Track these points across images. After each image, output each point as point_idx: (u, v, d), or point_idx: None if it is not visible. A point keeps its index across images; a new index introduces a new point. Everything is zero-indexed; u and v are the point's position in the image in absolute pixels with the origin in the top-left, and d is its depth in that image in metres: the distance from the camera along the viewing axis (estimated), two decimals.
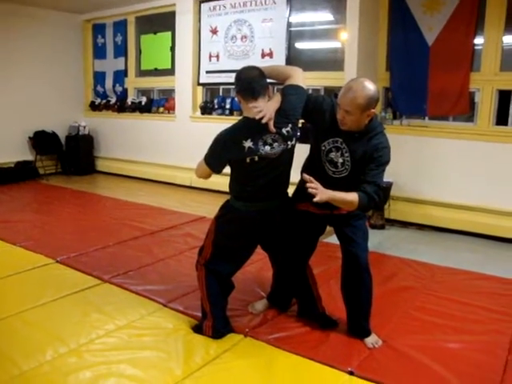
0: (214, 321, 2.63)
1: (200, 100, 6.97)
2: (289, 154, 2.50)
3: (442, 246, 4.52)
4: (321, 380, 2.31)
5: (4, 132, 7.35)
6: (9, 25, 7.25)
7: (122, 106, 7.89)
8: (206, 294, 2.64)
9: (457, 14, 4.77)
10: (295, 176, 2.61)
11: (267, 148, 2.38)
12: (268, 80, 2.48)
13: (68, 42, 8.12)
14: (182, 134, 7.01)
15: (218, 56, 6.62)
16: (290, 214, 2.63)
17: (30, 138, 7.72)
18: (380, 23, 5.30)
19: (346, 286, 2.64)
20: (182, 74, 6.98)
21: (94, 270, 3.58)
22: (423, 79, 5.01)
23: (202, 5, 6.68)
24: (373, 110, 2.31)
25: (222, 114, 6.58)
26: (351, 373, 2.33)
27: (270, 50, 6.06)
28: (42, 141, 7.79)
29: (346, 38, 5.23)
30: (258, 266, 3.58)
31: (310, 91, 5.31)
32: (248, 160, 2.38)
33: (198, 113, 6.91)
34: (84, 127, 8.15)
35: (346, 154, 2.40)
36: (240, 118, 2.50)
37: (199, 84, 6.92)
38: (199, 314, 2.76)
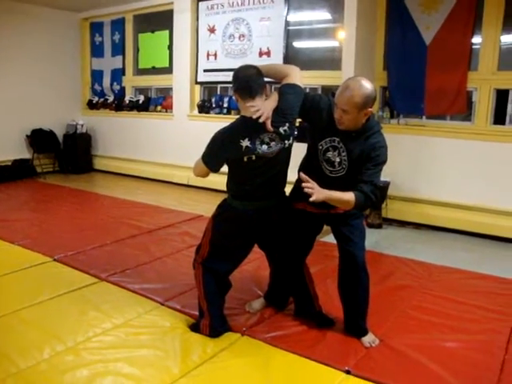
0: (211, 319, 2.63)
1: (198, 99, 6.97)
2: (286, 153, 2.51)
3: (439, 245, 4.53)
4: (317, 379, 2.32)
5: (1, 130, 7.34)
6: (5, 22, 7.24)
7: (119, 104, 7.88)
8: (203, 293, 2.65)
9: (454, 13, 4.77)
10: (292, 175, 2.61)
11: (264, 147, 2.38)
12: (265, 79, 2.48)
13: (66, 40, 8.11)
14: (179, 132, 7.01)
15: (215, 55, 6.61)
16: (287, 212, 2.63)
17: (27, 136, 7.71)
18: (378, 22, 5.30)
19: (342, 285, 2.65)
20: (179, 72, 6.97)
21: (92, 269, 3.58)
22: (421, 78, 5.01)
23: (200, 3, 6.68)
24: (370, 109, 2.31)
25: (220, 112, 6.58)
26: (348, 372, 2.34)
27: (268, 48, 6.06)
28: (39, 139, 7.78)
29: (343, 37, 5.24)
30: (255, 265, 3.58)
31: (308, 90, 5.31)
32: (245, 159, 2.38)
33: (196, 111, 6.90)
34: (82, 125, 8.13)
35: (343, 154, 2.40)
36: (238, 116, 2.51)
37: (197, 83, 6.92)
38: (196, 313, 2.77)
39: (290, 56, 5.94)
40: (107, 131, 8.16)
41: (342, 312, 2.71)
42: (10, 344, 2.52)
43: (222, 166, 2.50)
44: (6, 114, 7.40)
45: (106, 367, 2.33)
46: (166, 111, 7.33)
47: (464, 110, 4.91)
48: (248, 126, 2.37)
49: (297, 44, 6.04)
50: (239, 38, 6.33)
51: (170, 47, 7.16)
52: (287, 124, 2.42)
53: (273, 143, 2.40)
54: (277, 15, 5.93)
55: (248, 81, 2.39)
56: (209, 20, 6.62)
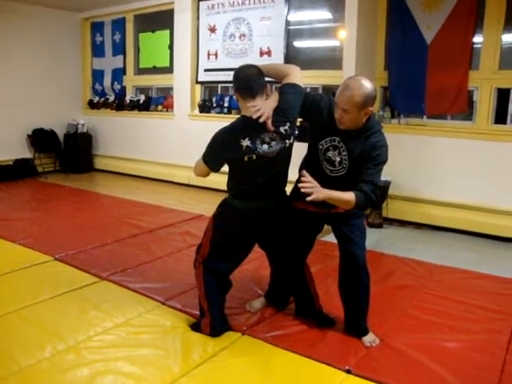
0: (212, 319, 2.63)
1: (198, 98, 6.97)
2: (286, 153, 2.51)
3: (440, 244, 4.52)
4: (318, 378, 2.32)
5: (3, 130, 7.35)
6: (6, 22, 7.24)
7: (120, 104, 7.89)
8: (203, 292, 2.65)
9: (456, 12, 4.77)
10: (293, 175, 2.61)
11: (265, 147, 2.38)
12: (266, 78, 2.48)
13: (66, 40, 8.12)
14: (180, 132, 7.01)
15: (216, 54, 6.61)
16: (288, 212, 2.63)
17: (28, 135, 7.71)
18: (378, 21, 5.30)
19: (343, 285, 2.65)
20: (180, 72, 6.97)
21: (92, 268, 3.58)
22: (421, 78, 5.01)
23: (201, 3, 6.68)
24: (370, 109, 2.31)
25: (221, 112, 6.58)
26: (348, 371, 2.34)
27: (269, 48, 6.06)
28: (40, 139, 7.79)
29: (344, 37, 5.23)
30: (256, 265, 3.58)
31: (309, 90, 5.31)
32: (246, 159, 2.38)
33: (197, 111, 6.91)
34: (82, 125, 8.14)
35: (344, 153, 2.40)
36: (238, 116, 2.51)
37: (197, 82, 6.92)
38: (197, 312, 2.77)
39: (291, 55, 5.94)
40: (108, 131, 8.17)
41: (342, 311, 2.71)
42: (12, 342, 2.52)
43: (222, 165, 2.50)
44: (8, 114, 7.41)
45: (106, 366, 2.33)
46: (167, 111, 7.33)
47: (465, 109, 4.91)
48: (248, 126, 2.37)
49: (297, 43, 6.03)
50: (240, 37, 6.33)
51: (171, 47, 7.16)
52: (288, 124, 2.42)
53: (273, 143, 2.40)
54: (277, 15, 5.93)
55: (249, 80, 2.39)
56: (209, 19, 6.62)
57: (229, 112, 6.48)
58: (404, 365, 2.42)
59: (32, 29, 7.56)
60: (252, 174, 2.45)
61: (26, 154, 7.71)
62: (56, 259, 3.78)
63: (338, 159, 2.43)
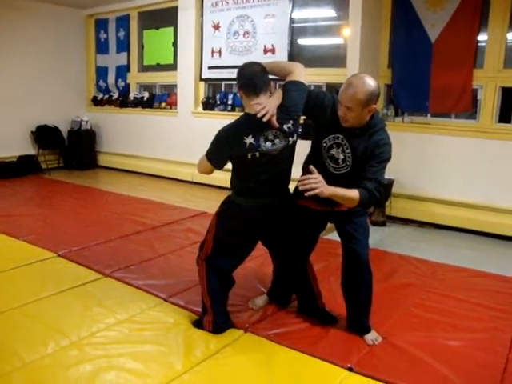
0: (215, 316, 2.64)
1: (202, 95, 6.97)
2: (290, 151, 2.51)
3: (443, 243, 4.52)
4: (320, 376, 2.32)
5: (7, 126, 7.37)
6: (11, 19, 7.26)
7: (124, 101, 7.90)
8: (206, 289, 2.65)
9: (460, 10, 4.75)
10: (296, 172, 2.61)
11: (268, 144, 2.38)
12: (270, 76, 2.47)
13: (71, 36, 8.13)
14: (183, 129, 7.02)
15: (220, 52, 6.61)
16: (291, 209, 2.63)
17: (32, 132, 7.73)
18: (383, 20, 5.29)
19: (346, 283, 2.65)
20: (184, 69, 6.97)
21: (96, 264, 3.59)
22: (426, 76, 5.00)
23: (205, 0, 6.67)
24: (374, 106, 2.30)
25: (224, 109, 6.58)
26: (350, 369, 2.34)
27: (273, 46, 6.05)
28: (44, 135, 7.81)
29: (348, 35, 5.23)
30: (259, 262, 3.59)
31: (312, 87, 5.30)
32: (249, 156, 2.38)
33: (200, 108, 6.91)
34: (86, 122, 8.16)
35: (347, 151, 2.40)
36: (242, 113, 2.51)
37: (201, 79, 6.92)
38: (200, 309, 2.77)
39: (295, 53, 5.93)
40: (112, 128, 8.18)
41: (345, 309, 2.71)
42: (16, 338, 2.53)
43: (225, 162, 2.50)
44: (12, 111, 7.43)
45: (109, 362, 2.34)
46: (171, 108, 7.34)
47: (469, 107, 4.90)
48: (252, 123, 2.37)
49: (301, 41, 6.03)
50: (244, 35, 6.32)
51: (175, 44, 7.17)
52: (291, 121, 2.42)
53: (277, 140, 2.40)
54: (281, 12, 5.93)
55: (252, 78, 2.39)
56: (213, 17, 6.62)
57: (232, 109, 6.48)
58: (406, 363, 2.41)
59: (36, 26, 7.58)
60: (255, 171, 2.45)
61: (30, 150, 7.73)
62: (59, 255, 3.79)
63: (341, 157, 2.43)
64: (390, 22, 5.25)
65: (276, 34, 6.00)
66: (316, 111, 2.49)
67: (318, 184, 2.21)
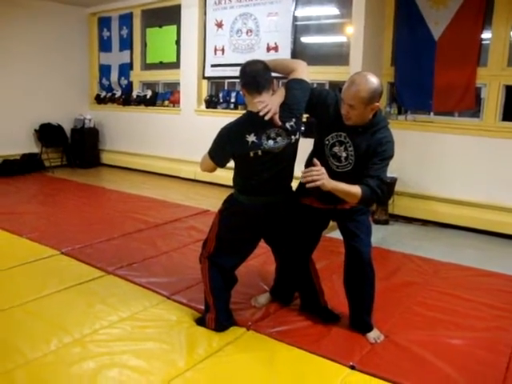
0: (217, 314, 2.64)
1: (205, 93, 6.97)
2: (292, 149, 2.50)
3: (446, 242, 4.51)
4: (322, 374, 2.32)
5: (10, 124, 7.39)
6: (14, 16, 7.27)
7: (127, 99, 7.90)
8: (209, 287, 2.65)
9: (464, 8, 4.74)
10: (299, 170, 2.61)
11: (271, 142, 2.38)
12: (273, 74, 2.47)
13: (74, 34, 8.14)
14: (186, 127, 7.02)
15: (223, 50, 6.61)
16: (294, 207, 2.63)
17: (35, 130, 7.75)
18: (386, 18, 5.27)
19: (348, 281, 2.65)
20: (187, 67, 6.97)
21: (99, 262, 3.60)
22: (429, 74, 4.98)
23: None
24: (377, 104, 2.30)
25: (227, 107, 6.58)
26: (353, 367, 2.34)
27: (276, 44, 6.04)
28: (47, 133, 7.83)
29: (351, 33, 5.21)
30: (262, 260, 3.59)
31: (315, 85, 5.29)
32: (251, 154, 2.38)
33: (203, 106, 6.91)
34: (89, 120, 8.17)
35: (350, 149, 2.39)
36: (245, 111, 2.51)
37: (204, 77, 6.92)
38: (202, 307, 2.78)
39: (298, 51, 5.92)
40: (115, 126, 8.19)
41: (347, 307, 2.71)
42: (18, 335, 2.54)
43: (228, 160, 2.51)
44: (15, 109, 7.45)
45: (112, 359, 2.35)
46: (174, 106, 7.34)
47: (472, 106, 4.88)
48: (254, 121, 2.37)
49: (304, 39, 6.02)
50: (247, 33, 6.32)
51: (178, 42, 7.16)
52: (294, 119, 2.42)
53: (279, 138, 2.40)
54: (285, 10, 5.91)
55: (255, 76, 2.39)
56: (216, 15, 6.61)
57: (235, 107, 6.47)
58: (409, 361, 2.41)
59: (39, 23, 7.59)
60: (258, 169, 2.45)
61: (34, 148, 7.75)
62: (62, 253, 3.81)
63: (344, 155, 2.42)
64: (394, 20, 5.23)
65: (279, 32, 6.00)
66: (319, 109, 2.49)
67: (321, 176, 2.20)
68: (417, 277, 3.56)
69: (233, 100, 6.54)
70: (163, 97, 7.55)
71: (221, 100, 6.69)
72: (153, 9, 7.52)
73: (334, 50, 5.86)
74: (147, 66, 7.83)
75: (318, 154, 2.54)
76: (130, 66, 7.93)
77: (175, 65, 7.26)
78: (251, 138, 2.35)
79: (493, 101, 4.75)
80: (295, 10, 5.88)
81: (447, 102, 4.97)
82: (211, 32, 6.70)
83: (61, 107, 8.03)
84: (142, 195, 6.03)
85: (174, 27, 7.22)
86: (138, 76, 7.92)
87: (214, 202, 4.77)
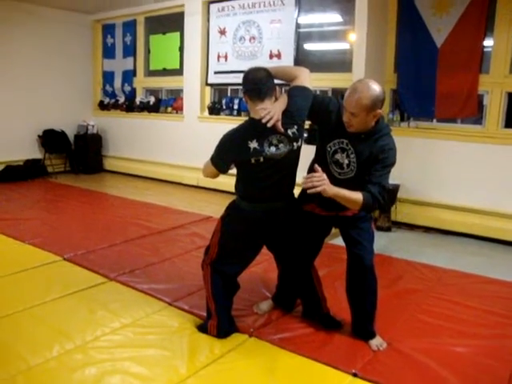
0: (219, 320, 2.64)
1: (208, 100, 6.99)
2: (294, 155, 2.51)
3: (449, 248, 4.50)
4: (324, 381, 2.31)
5: (14, 130, 7.42)
6: (19, 23, 7.32)
7: (130, 105, 7.93)
8: (211, 294, 2.65)
9: (466, 15, 4.75)
10: (301, 177, 2.61)
11: (272, 149, 2.39)
12: (275, 81, 2.48)
13: (78, 41, 8.19)
14: (189, 134, 7.03)
15: (226, 56, 6.63)
16: (296, 214, 2.63)
17: (39, 136, 7.78)
18: (388, 25, 5.29)
19: (350, 288, 2.64)
20: (190, 74, 7.00)
21: (101, 268, 3.60)
22: (431, 81, 4.99)
23: (211, 6, 6.70)
24: (379, 111, 2.30)
25: (230, 114, 6.59)
26: (355, 375, 2.33)
27: (278, 51, 6.07)
28: (51, 139, 7.86)
29: (354, 40, 5.23)
30: (264, 267, 3.58)
31: (318, 92, 5.30)
32: (253, 161, 2.39)
33: (206, 113, 6.93)
34: (93, 126, 8.20)
35: (352, 155, 2.40)
36: (247, 118, 2.51)
37: (207, 84, 6.94)
38: (204, 314, 2.77)
39: (301, 58, 5.93)
40: (118, 132, 8.21)
41: (349, 314, 2.71)
42: (21, 341, 2.54)
43: (230, 167, 2.51)
44: (19, 115, 7.48)
45: (114, 366, 2.34)
46: (177, 112, 7.36)
47: (475, 113, 4.88)
48: (256, 128, 2.37)
49: (307, 46, 6.03)
50: (250, 40, 6.35)
51: (181, 49, 7.20)
52: (296, 126, 2.43)
53: (281, 145, 2.40)
54: (287, 17, 5.94)
55: (257, 83, 2.40)
56: (219, 22, 6.64)
57: (238, 114, 6.49)
58: (411, 369, 2.40)
59: (44, 30, 7.64)
60: (259, 176, 2.45)
61: (37, 154, 7.77)
62: (65, 259, 3.81)
63: (346, 162, 2.43)
64: (396, 27, 5.25)
65: (282, 39, 6.02)
66: (321, 116, 2.49)
67: (322, 182, 2.20)
68: (420, 284, 3.55)
69: (236, 107, 6.56)
70: (166, 103, 7.58)
71: (224, 107, 6.71)
72: (156, 16, 7.56)
73: (337, 56, 5.88)
74: (150, 73, 7.86)
75: (320, 160, 2.55)
76: (134, 72, 7.96)
77: (178, 71, 7.28)
78: (253, 145, 2.36)
79: (495, 108, 4.75)
80: (298, 17, 5.90)
81: (450, 109, 4.97)
82: (214, 39, 6.74)
83: (64, 113, 8.07)
84: (145, 201, 6.04)
85: (178, 34, 7.26)
86: (141, 82, 7.95)
87: (216, 208, 4.77)
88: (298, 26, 5.92)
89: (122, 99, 8.12)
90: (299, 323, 2.83)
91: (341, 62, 5.69)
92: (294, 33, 5.92)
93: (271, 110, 2.33)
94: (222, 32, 6.63)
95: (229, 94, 6.84)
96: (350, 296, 2.66)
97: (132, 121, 7.90)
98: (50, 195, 6.54)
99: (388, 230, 4.99)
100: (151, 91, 7.98)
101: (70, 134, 8.13)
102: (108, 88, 8.40)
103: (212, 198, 6.27)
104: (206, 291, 2.69)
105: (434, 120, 5.19)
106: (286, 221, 2.60)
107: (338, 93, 5.41)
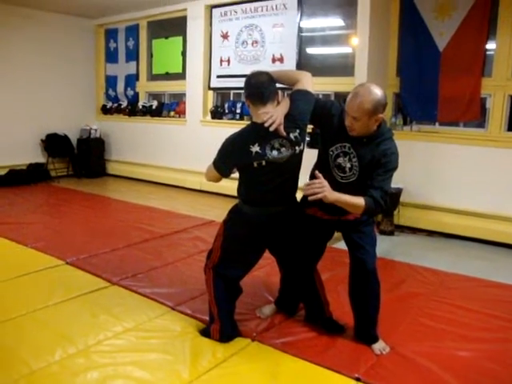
0: (222, 324, 2.63)
1: (210, 104, 7.01)
2: (297, 159, 2.50)
3: (452, 252, 4.49)
4: None
5: (17, 134, 7.46)
6: (21, 28, 7.36)
7: (133, 109, 7.96)
8: (213, 298, 2.65)
9: (468, 19, 4.75)
10: (303, 181, 2.61)
11: (275, 153, 2.39)
12: (277, 85, 2.48)
13: (81, 46, 8.23)
14: (192, 138, 7.05)
15: (228, 61, 6.65)
16: (298, 218, 2.63)
17: (42, 140, 7.81)
18: (391, 29, 5.30)
19: (353, 292, 2.63)
20: (192, 78, 7.02)
21: (104, 272, 3.60)
22: (434, 85, 4.99)
23: (214, 10, 6.73)
24: (381, 115, 2.30)
25: (233, 118, 6.61)
26: (358, 379, 2.32)
27: (281, 55, 6.08)
28: (53, 143, 7.89)
29: (356, 44, 5.23)
30: (266, 271, 3.58)
31: (321, 96, 5.31)
32: (255, 164, 2.39)
33: (209, 117, 6.94)
34: (95, 130, 8.23)
35: (354, 159, 2.40)
36: (249, 122, 2.52)
37: (210, 88, 6.96)
38: (207, 318, 2.77)
39: (303, 62, 5.95)
40: (120, 136, 8.24)
41: (352, 318, 2.70)
42: (23, 345, 2.54)
43: (232, 171, 2.52)
44: (22, 119, 7.52)
45: (116, 370, 2.34)
46: (179, 117, 7.38)
47: (478, 116, 4.88)
48: (258, 132, 2.37)
49: (310, 50, 6.05)
50: (252, 44, 6.36)
51: (184, 53, 7.22)
52: (298, 130, 2.43)
53: (283, 149, 2.41)
54: (290, 22, 5.96)
55: (260, 87, 2.40)
56: (222, 26, 6.67)
57: (241, 118, 6.50)
58: (414, 373, 2.39)
59: (47, 35, 7.68)
60: (262, 179, 2.45)
61: (40, 158, 7.81)
62: (67, 263, 3.81)
63: (348, 165, 2.43)
64: (398, 31, 5.26)
65: (284, 43, 6.04)
66: (323, 120, 2.49)
67: (322, 189, 2.20)
68: (423, 288, 3.54)
69: (238, 111, 6.57)
70: (169, 107, 7.60)
71: (226, 111, 6.72)
72: (159, 20, 7.59)
73: (339, 60, 5.89)
74: (153, 77, 7.89)
75: (322, 164, 2.55)
76: (136, 76, 8.00)
77: (181, 76, 7.31)
78: (255, 149, 2.36)
79: (498, 111, 4.75)
80: (300, 21, 5.92)
81: (452, 113, 4.97)
82: (217, 43, 6.76)
83: (67, 117, 8.10)
84: (148, 205, 6.05)
85: (180, 38, 7.29)
86: (143, 87, 7.98)
87: (219, 212, 4.78)
88: (300, 30, 5.94)
89: (124, 103, 8.15)
90: (302, 327, 2.82)
91: (343, 66, 5.70)
92: (296, 37, 5.93)
93: (273, 114, 2.34)
94: (225, 36, 6.65)
95: (231, 98, 6.86)
96: (352, 300, 2.65)
97: (135, 125, 7.93)
98: (52, 199, 6.55)
99: (391, 233, 4.98)
100: (154, 95, 8.01)
101: (73, 138, 8.16)
102: (111, 92, 8.43)
103: (215, 202, 6.28)
104: (209, 295, 2.69)
105: (437, 124, 5.19)
106: (289, 224, 2.60)
107: (341, 97, 5.42)
